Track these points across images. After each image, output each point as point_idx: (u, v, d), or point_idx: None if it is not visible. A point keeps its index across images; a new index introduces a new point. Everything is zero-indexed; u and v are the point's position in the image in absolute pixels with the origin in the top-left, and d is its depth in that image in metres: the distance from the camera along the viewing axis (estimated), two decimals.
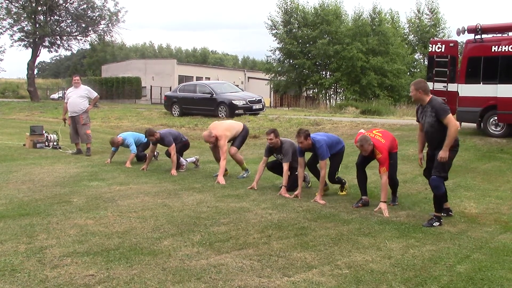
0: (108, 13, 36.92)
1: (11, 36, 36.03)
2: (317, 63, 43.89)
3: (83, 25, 37.07)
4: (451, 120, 5.67)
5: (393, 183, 6.87)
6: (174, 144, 9.16)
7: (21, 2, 35.59)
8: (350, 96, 39.09)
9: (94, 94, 11.70)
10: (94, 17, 37.19)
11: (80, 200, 6.63)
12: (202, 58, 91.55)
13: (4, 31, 35.75)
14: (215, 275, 4.04)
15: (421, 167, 6.36)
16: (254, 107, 20.01)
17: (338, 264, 4.33)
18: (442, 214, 5.88)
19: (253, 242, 4.92)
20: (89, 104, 11.68)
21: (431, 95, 5.86)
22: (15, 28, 35.70)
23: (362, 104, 30.45)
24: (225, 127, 8.69)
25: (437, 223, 5.67)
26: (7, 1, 34.89)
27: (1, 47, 55.12)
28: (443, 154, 5.61)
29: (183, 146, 9.72)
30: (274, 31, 44.25)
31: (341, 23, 43.15)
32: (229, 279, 3.96)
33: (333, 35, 41.63)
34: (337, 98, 44.41)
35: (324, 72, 44.69)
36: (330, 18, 41.68)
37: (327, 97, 44.34)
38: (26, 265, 4.19)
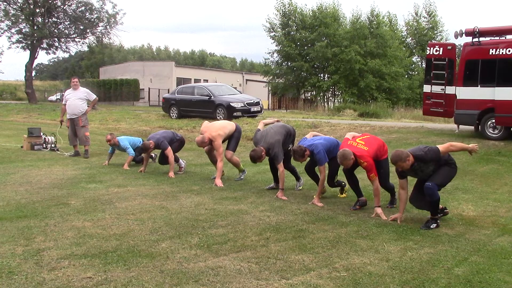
0: (106, 15, 36.99)
1: (9, 38, 36.08)
2: (315, 66, 43.88)
3: (81, 27, 37.11)
4: (444, 148, 5.73)
5: (388, 189, 6.87)
6: (169, 147, 9.14)
7: (19, 4, 35.60)
8: (348, 99, 39.10)
9: (93, 96, 11.70)
10: (92, 19, 37.24)
11: (77, 202, 6.63)
12: (200, 60, 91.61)
13: (2, 33, 35.85)
14: (213, 277, 4.03)
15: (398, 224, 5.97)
16: (252, 109, 20.01)
17: (336, 267, 4.33)
18: (439, 215, 5.88)
19: (251, 245, 4.91)
20: (88, 106, 11.68)
21: (410, 154, 5.69)
22: (13, 30, 35.76)
23: (360, 107, 30.48)
24: (217, 127, 8.57)
25: (434, 225, 5.68)
26: (5, 3, 34.91)
27: None
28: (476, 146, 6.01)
29: (179, 144, 9.72)
30: (272, 34, 44.28)
31: (339, 26, 43.15)
32: (227, 281, 3.96)
33: (331, 38, 41.62)
34: (335, 100, 44.34)
35: (322, 75, 44.69)
36: (328, 21, 41.69)
37: (325, 100, 44.32)
38: (24, 267, 4.18)
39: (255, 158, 7.40)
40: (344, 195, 7.48)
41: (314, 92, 44.38)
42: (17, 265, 4.23)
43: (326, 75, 44.05)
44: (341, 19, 44.34)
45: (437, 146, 5.78)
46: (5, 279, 3.93)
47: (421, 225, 5.72)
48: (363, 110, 27.76)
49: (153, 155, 10.34)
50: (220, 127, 8.61)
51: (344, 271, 4.22)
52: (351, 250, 4.82)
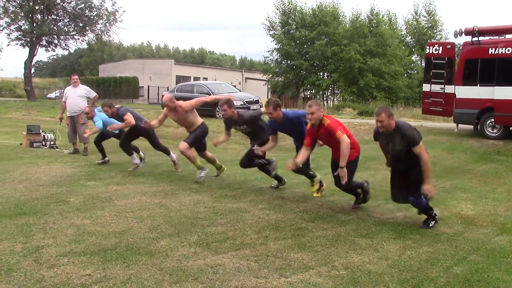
0: (106, 13, 36.90)
1: (8, 35, 35.91)
2: (315, 64, 43.92)
3: (81, 25, 37.01)
4: (423, 151, 5.43)
5: (349, 190, 6.53)
6: (129, 113, 8.99)
7: (18, 1, 35.48)
8: (348, 97, 39.14)
9: (93, 94, 11.67)
10: (92, 17, 37.14)
11: (77, 200, 6.62)
12: (199, 59, 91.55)
13: (1, 30, 35.67)
14: (212, 275, 4.04)
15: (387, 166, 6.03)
16: (251, 108, 19.98)
17: (335, 265, 4.33)
18: (434, 213, 5.76)
19: (250, 243, 4.92)
20: (87, 103, 11.65)
21: (395, 120, 5.55)
22: (12, 27, 35.62)
23: (359, 106, 30.51)
24: (190, 104, 8.19)
25: (433, 222, 5.68)
26: (4, 0, 34.84)
27: None
28: (430, 188, 5.39)
29: (140, 131, 9.12)
30: (271, 32, 44.29)
31: (339, 25, 43.19)
32: (226, 279, 3.97)
33: (331, 37, 41.66)
34: (335, 99, 44.42)
35: (321, 73, 44.73)
36: (328, 20, 41.73)
37: (325, 98, 44.36)
38: (23, 264, 4.19)
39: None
40: (316, 192, 7.20)
41: (313, 91, 44.40)
42: (16, 262, 4.23)
43: (326, 74, 44.09)
44: (340, 17, 44.36)
45: (421, 143, 5.48)
46: (4, 276, 3.93)
47: (420, 224, 5.72)
48: (363, 109, 27.80)
49: (142, 154, 9.83)
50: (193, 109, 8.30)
51: (343, 270, 4.23)
52: (350, 248, 4.83)
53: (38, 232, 5.12)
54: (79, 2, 36.54)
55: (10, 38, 35.97)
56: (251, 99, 20.47)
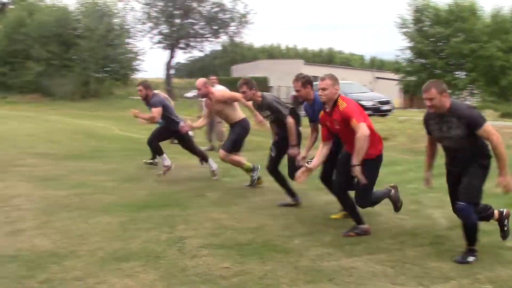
0: (238, 15, 38.39)
1: (151, 38, 39.02)
2: (450, 63, 41.52)
3: (215, 27, 38.92)
4: (492, 130, 4.24)
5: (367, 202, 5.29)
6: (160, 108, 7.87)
7: (159, 7, 38.28)
8: (488, 98, 36.40)
9: None
10: (225, 19, 38.87)
11: (214, 195, 6.97)
12: (328, 58, 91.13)
13: (145, 35, 38.81)
14: (346, 278, 4.00)
15: (428, 187, 4.99)
16: (382, 108, 19.47)
17: (478, 278, 4.05)
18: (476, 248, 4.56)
19: (385, 248, 4.79)
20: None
21: (450, 99, 4.38)
22: (154, 31, 38.60)
23: (502, 107, 28.24)
24: (223, 96, 7.16)
25: (472, 258, 4.45)
26: (147, 7, 37.78)
27: (142, 49, 59.59)
28: (508, 181, 4.26)
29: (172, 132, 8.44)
30: (404, 30, 42.69)
31: (477, 20, 40.36)
32: (361, 283, 3.91)
33: (468, 33, 39.06)
34: (473, 100, 41.60)
35: (458, 72, 42.16)
36: (465, 15, 39.17)
37: (461, 99, 41.75)
38: (168, 253, 4.50)
39: None
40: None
41: (449, 91, 42.03)
42: (162, 251, 4.56)
43: (463, 73, 41.50)
44: (479, 12, 41.40)
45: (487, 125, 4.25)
46: (152, 263, 4.26)
47: (457, 256, 4.49)
48: (506, 111, 25.67)
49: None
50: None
51: (488, 284, 3.93)
52: (495, 261, 4.47)
53: (180, 223, 5.48)
54: (213, 6, 38.46)
55: (153, 41, 39.02)
56: (382, 99, 19.91)
